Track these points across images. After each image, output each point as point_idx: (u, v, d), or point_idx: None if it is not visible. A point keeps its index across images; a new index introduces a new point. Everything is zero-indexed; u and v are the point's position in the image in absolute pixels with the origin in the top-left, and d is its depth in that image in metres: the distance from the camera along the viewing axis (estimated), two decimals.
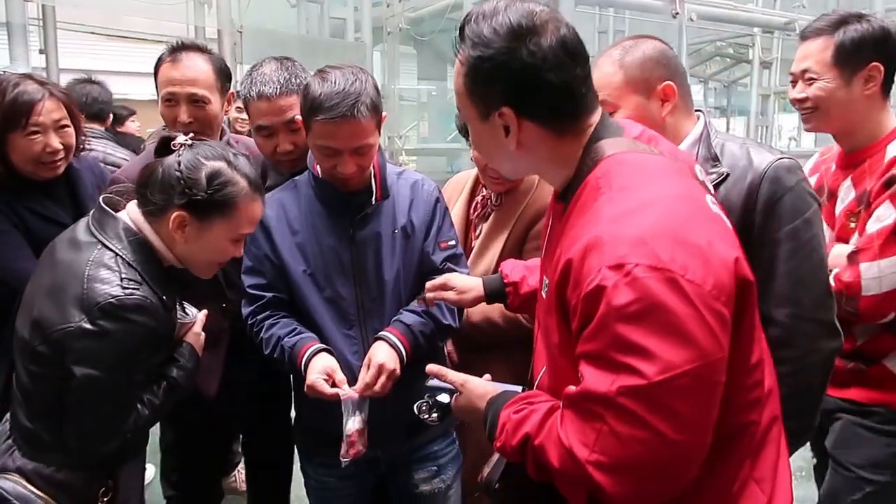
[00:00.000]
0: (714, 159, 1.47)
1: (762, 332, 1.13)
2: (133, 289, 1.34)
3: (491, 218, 1.95)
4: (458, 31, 1.10)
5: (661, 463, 0.94)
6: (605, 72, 1.49)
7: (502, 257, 1.84)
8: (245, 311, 1.73)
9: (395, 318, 1.69)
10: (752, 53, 12.12)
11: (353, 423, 1.56)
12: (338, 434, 1.61)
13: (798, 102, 1.75)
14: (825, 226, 1.61)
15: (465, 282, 1.64)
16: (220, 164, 1.41)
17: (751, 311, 1.02)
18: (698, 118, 1.54)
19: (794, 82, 1.77)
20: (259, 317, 1.70)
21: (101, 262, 1.35)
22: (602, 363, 0.94)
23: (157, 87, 1.93)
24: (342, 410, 1.57)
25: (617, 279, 0.91)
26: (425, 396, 1.36)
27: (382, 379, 1.57)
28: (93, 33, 7.85)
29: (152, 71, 1.95)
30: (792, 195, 1.38)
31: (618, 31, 11.46)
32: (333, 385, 1.57)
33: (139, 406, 1.42)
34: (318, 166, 1.68)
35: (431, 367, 1.34)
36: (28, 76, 1.84)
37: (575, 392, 0.98)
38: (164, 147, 1.44)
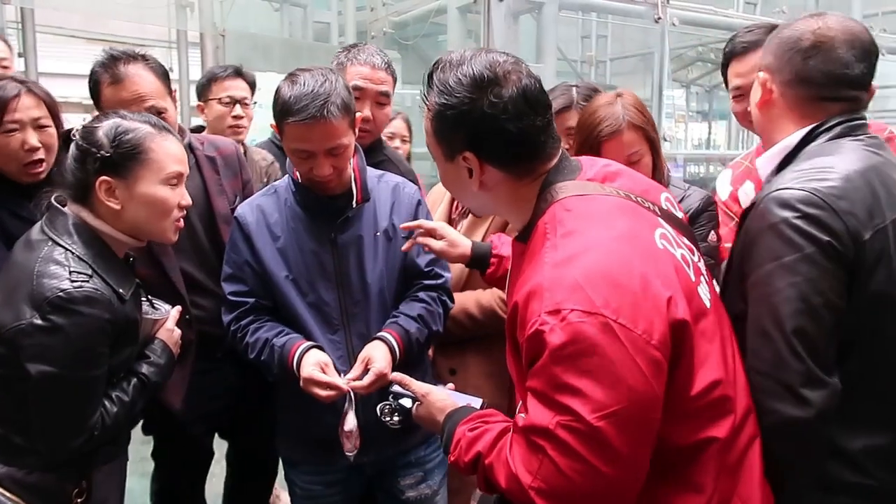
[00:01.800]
0: (768, 183, 1.31)
1: (732, 349, 1.16)
2: (82, 281, 1.34)
3: (470, 214, 1.96)
4: (426, 78, 1.18)
5: (597, 493, 1.02)
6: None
7: None
8: (226, 318, 1.71)
9: (392, 321, 1.69)
10: None
11: (352, 418, 1.58)
12: (324, 438, 1.61)
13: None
14: None
15: (456, 237, 1.65)
16: (114, 119, 1.45)
17: (689, 343, 1.06)
18: (814, 128, 1.29)
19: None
20: (242, 322, 1.69)
21: (50, 258, 1.36)
22: (544, 400, 1.02)
23: (99, 107, 1.82)
24: (342, 404, 1.58)
25: (554, 324, 0.99)
26: (389, 398, 1.42)
27: (371, 379, 1.58)
28: (73, 37, 7.76)
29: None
30: (773, 232, 1.18)
31: (600, 36, 11.55)
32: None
33: (106, 402, 1.42)
34: (297, 171, 1.67)
35: (395, 376, 1.40)
36: (9, 77, 1.79)
37: (522, 423, 1.07)
38: (68, 142, 1.48)
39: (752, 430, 1.16)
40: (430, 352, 1.97)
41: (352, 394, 1.58)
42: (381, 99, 2.06)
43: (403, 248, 1.67)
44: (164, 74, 1.87)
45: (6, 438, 1.39)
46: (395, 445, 1.76)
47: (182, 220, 1.54)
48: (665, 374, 1.02)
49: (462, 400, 1.33)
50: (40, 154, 1.72)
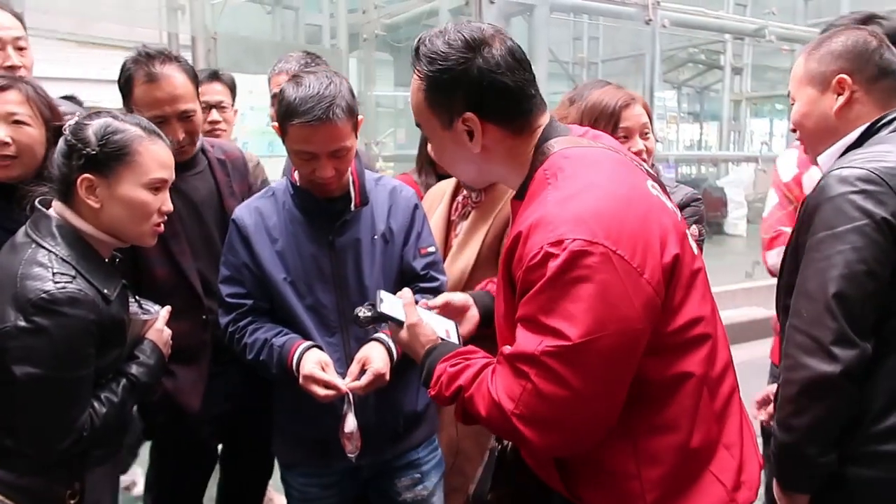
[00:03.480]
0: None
1: (713, 303, 1.24)
2: (66, 282, 1.33)
3: (471, 216, 1.96)
4: (413, 53, 1.20)
5: (577, 418, 1.07)
6: (795, 64, 1.52)
7: (481, 252, 1.87)
8: (224, 319, 1.71)
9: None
10: (723, 59, 12.30)
11: (352, 420, 1.57)
12: (321, 440, 1.61)
13: None
14: None
15: (462, 301, 1.58)
16: (105, 119, 1.44)
17: (676, 280, 1.12)
18: (874, 122, 1.40)
19: None
20: (240, 323, 1.69)
21: (33, 260, 1.35)
22: (532, 326, 1.07)
23: (128, 104, 1.80)
24: (341, 406, 1.57)
25: (556, 252, 1.03)
26: (377, 301, 1.41)
27: (369, 379, 1.57)
28: (63, 40, 7.73)
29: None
30: (830, 205, 1.29)
31: (592, 38, 11.60)
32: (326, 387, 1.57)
33: (95, 404, 1.41)
34: (295, 173, 1.67)
35: (405, 292, 1.41)
36: (8, 75, 1.76)
37: (507, 351, 1.11)
38: (58, 136, 1.47)
39: (732, 381, 1.25)
40: None
41: (350, 395, 1.58)
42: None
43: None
44: (194, 76, 1.86)
45: None
46: (392, 447, 1.76)
47: (162, 224, 1.52)
48: (657, 311, 1.08)
49: (440, 326, 1.39)
50: (10, 150, 1.62)
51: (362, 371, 1.59)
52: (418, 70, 1.19)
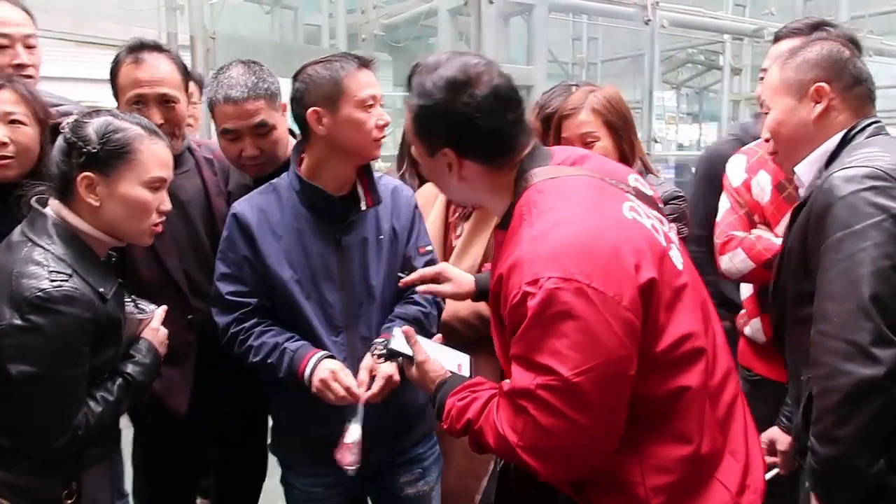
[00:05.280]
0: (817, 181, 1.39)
1: (706, 311, 1.26)
2: (62, 281, 1.34)
3: (473, 216, 1.97)
4: (407, 81, 1.28)
5: (579, 446, 1.12)
6: (769, 73, 1.55)
7: (486, 253, 1.88)
8: (223, 318, 1.69)
9: (389, 326, 1.70)
10: (722, 60, 12.29)
11: (356, 431, 1.58)
12: (325, 439, 1.62)
13: None
14: None
15: (459, 275, 1.66)
16: (106, 117, 1.45)
17: (656, 302, 1.15)
18: (849, 130, 1.42)
19: None
20: (245, 324, 1.67)
21: (29, 259, 1.36)
22: (524, 363, 1.12)
23: (115, 90, 1.83)
24: (348, 414, 1.59)
25: (534, 292, 1.08)
26: (390, 345, 1.45)
27: (381, 385, 1.59)
28: (62, 39, 7.72)
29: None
30: (842, 204, 1.26)
31: (591, 38, 11.59)
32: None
33: (91, 402, 1.41)
34: (300, 168, 1.67)
35: (409, 329, 1.44)
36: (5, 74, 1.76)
37: (506, 388, 1.17)
38: (55, 134, 1.47)
39: (734, 388, 1.28)
40: None
41: (361, 407, 1.58)
42: (260, 130, 1.82)
43: (401, 283, 1.65)
44: (184, 70, 1.87)
45: None
46: (395, 445, 1.77)
47: (160, 224, 1.53)
48: (638, 334, 1.12)
49: (452, 361, 1.44)
50: (7, 150, 1.64)
51: (371, 378, 1.60)
52: (409, 98, 1.27)
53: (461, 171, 1.26)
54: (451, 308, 1.92)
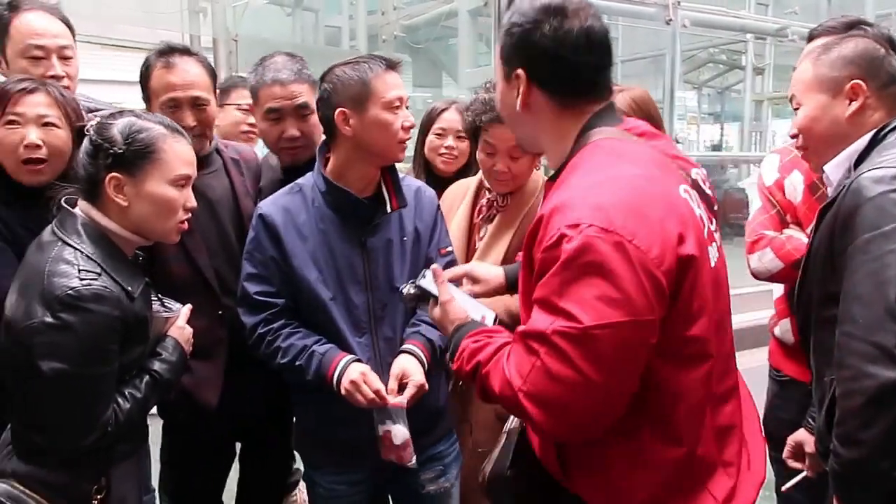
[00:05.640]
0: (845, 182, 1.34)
1: (721, 317, 1.23)
2: (91, 279, 1.36)
3: (497, 219, 1.97)
4: (507, 3, 1.27)
5: (581, 401, 1.07)
6: (800, 68, 1.51)
7: (507, 255, 1.88)
8: (251, 318, 1.70)
9: (414, 331, 1.72)
10: (745, 59, 12.17)
11: (403, 431, 1.61)
12: (353, 441, 1.66)
13: None
14: None
15: (487, 271, 1.67)
16: (130, 118, 1.48)
17: (689, 284, 1.11)
18: (881, 129, 1.38)
19: None
20: (273, 325, 1.69)
21: (60, 258, 1.38)
22: (546, 306, 1.08)
23: (146, 93, 1.88)
24: (381, 417, 1.62)
25: (571, 235, 1.05)
26: (420, 279, 1.47)
27: (412, 393, 1.62)
28: (87, 42, 7.83)
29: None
30: (871, 205, 1.22)
31: (612, 38, 11.54)
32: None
33: (119, 400, 1.44)
34: (326, 169, 1.69)
35: (437, 269, 1.44)
36: (33, 77, 1.77)
37: (521, 329, 1.14)
38: (81, 136, 1.50)
39: (737, 401, 1.26)
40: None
41: (402, 410, 1.60)
42: (303, 112, 1.94)
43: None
44: (212, 73, 1.93)
45: (27, 437, 1.41)
46: (417, 443, 1.77)
47: (186, 221, 1.55)
48: (666, 300, 1.08)
49: (477, 311, 1.41)
50: (41, 153, 1.65)
51: (400, 384, 1.63)
52: (506, 19, 1.25)
53: (528, 97, 1.22)
54: None
